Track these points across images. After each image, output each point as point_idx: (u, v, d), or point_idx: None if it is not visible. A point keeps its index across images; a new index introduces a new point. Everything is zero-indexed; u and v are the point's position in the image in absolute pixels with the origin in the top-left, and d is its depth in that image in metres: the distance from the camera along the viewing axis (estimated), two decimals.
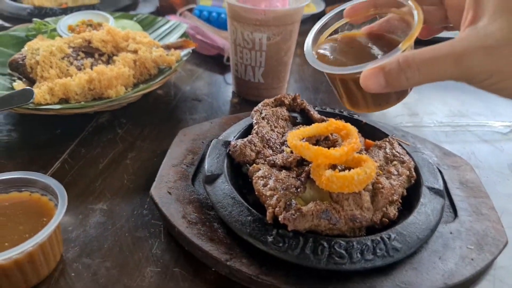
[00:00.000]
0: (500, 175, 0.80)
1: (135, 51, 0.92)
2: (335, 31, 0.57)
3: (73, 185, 0.70)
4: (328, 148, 0.58)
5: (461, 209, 0.65)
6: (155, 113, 0.94)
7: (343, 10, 0.56)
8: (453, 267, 0.54)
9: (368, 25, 0.56)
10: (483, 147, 0.90)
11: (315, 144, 0.70)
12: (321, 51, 0.54)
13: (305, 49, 0.54)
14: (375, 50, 0.53)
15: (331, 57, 0.53)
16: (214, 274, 0.56)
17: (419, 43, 0.50)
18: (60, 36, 1.00)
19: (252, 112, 0.77)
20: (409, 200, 0.63)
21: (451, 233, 0.60)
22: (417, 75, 0.43)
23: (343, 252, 0.52)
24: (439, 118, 1.00)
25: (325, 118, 0.78)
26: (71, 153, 0.78)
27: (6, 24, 1.28)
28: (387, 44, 0.53)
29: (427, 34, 0.60)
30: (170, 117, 0.93)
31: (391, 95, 0.54)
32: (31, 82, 0.86)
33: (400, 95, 0.54)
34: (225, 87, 1.09)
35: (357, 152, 0.61)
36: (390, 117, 1.00)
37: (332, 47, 0.54)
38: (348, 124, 0.64)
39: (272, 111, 0.78)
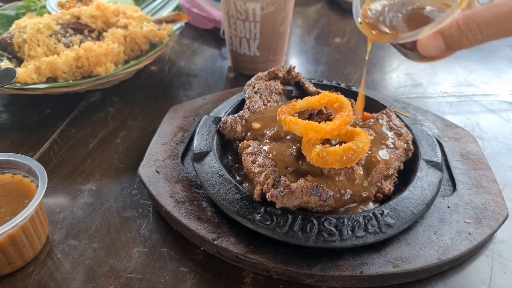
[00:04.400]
0: (505, 146, 0.76)
1: (125, 27, 0.89)
2: None
3: (61, 166, 0.69)
4: (321, 122, 0.55)
5: (460, 182, 0.62)
6: (148, 90, 0.91)
7: None
8: (448, 242, 0.52)
9: None
10: (488, 117, 0.86)
11: (308, 119, 0.67)
12: (371, 13, 0.52)
13: (353, 13, 0.52)
14: (428, 8, 0.50)
15: (382, 20, 0.51)
16: (202, 254, 0.54)
17: None
18: (49, 13, 0.97)
19: (245, 86, 0.75)
20: (407, 174, 0.60)
21: (448, 207, 0.57)
22: (479, 36, 0.41)
23: (333, 229, 0.50)
24: (444, 88, 0.96)
25: (320, 91, 0.75)
26: (61, 133, 0.77)
27: None
28: None
29: None
30: (163, 94, 0.90)
31: None
32: (20, 61, 0.84)
33: None
34: (222, 62, 1.05)
35: (352, 126, 0.58)
36: (393, 88, 0.96)
37: (382, 7, 0.53)
38: (342, 97, 0.61)
39: (266, 84, 0.75)
